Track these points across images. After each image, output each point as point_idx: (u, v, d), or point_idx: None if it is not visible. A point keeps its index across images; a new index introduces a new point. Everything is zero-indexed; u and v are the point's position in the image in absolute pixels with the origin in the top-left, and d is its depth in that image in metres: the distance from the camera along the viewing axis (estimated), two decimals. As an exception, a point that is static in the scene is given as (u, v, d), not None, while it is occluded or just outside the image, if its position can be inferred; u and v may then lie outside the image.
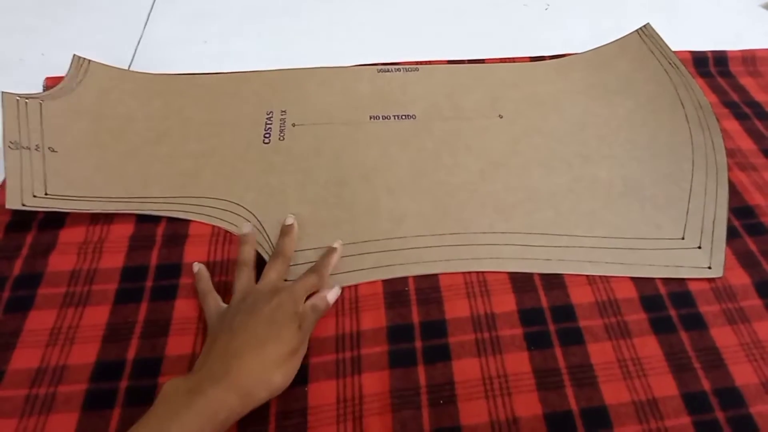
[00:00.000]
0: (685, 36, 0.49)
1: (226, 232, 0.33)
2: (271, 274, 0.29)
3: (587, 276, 0.32)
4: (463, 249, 0.33)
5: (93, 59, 0.42)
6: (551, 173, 0.38)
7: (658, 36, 0.44)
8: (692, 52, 0.47)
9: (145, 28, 0.48)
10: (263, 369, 0.25)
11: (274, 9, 0.51)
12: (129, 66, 0.44)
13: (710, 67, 0.47)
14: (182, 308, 0.29)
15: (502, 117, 0.41)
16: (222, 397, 0.24)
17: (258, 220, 0.34)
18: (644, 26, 0.45)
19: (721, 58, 0.47)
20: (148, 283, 0.30)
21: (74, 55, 0.41)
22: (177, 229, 0.33)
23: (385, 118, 0.41)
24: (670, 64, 0.43)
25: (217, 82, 0.43)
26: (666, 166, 0.38)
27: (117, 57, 0.45)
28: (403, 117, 0.41)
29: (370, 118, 0.41)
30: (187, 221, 0.33)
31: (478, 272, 0.32)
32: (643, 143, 0.39)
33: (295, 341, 0.26)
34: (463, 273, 0.32)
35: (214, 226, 0.33)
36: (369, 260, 0.32)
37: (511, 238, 0.34)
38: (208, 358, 0.25)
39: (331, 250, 0.31)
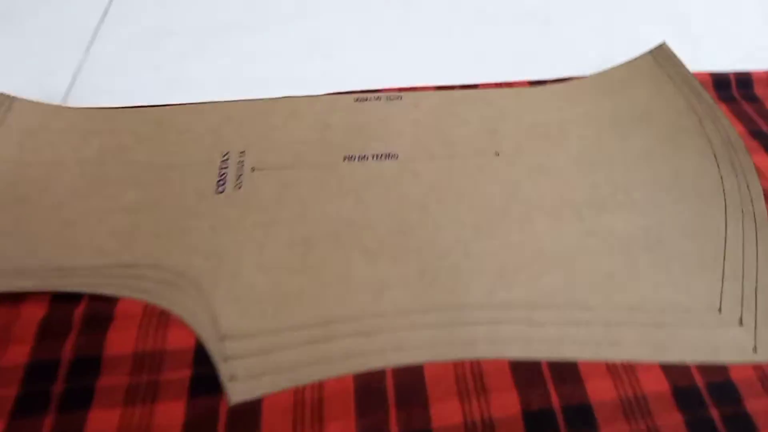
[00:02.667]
0: (703, 54, 0.43)
1: (161, 312, 0.27)
2: None
3: (607, 363, 0.26)
4: (455, 330, 0.27)
5: (21, 92, 0.35)
6: (559, 225, 0.32)
7: (676, 57, 0.39)
8: (712, 74, 0.41)
9: (88, 50, 0.42)
10: None
11: (239, 28, 0.45)
12: (65, 96, 0.38)
13: (733, 90, 0.41)
14: (97, 422, 0.23)
15: (498, 154, 0.35)
16: None
17: (203, 294, 0.27)
18: (659, 46, 0.40)
19: (745, 79, 0.41)
20: (57, 388, 0.24)
21: (-6, 91, 0.35)
22: (100, 309, 0.26)
23: (362, 158, 0.35)
24: (691, 91, 0.37)
25: (167, 116, 0.37)
26: (693, 216, 0.32)
27: (51, 86, 0.38)
28: (384, 157, 0.35)
29: (345, 158, 0.35)
30: (113, 298, 0.27)
31: (472, 361, 0.26)
32: (665, 186, 0.34)
33: None
34: (454, 362, 0.26)
35: (146, 305, 0.27)
36: (339, 347, 0.26)
37: (513, 313, 0.28)
38: None
39: None
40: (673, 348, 0.27)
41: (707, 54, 0.44)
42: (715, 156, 0.34)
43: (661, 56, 0.39)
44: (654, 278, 0.29)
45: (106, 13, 0.45)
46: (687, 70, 0.38)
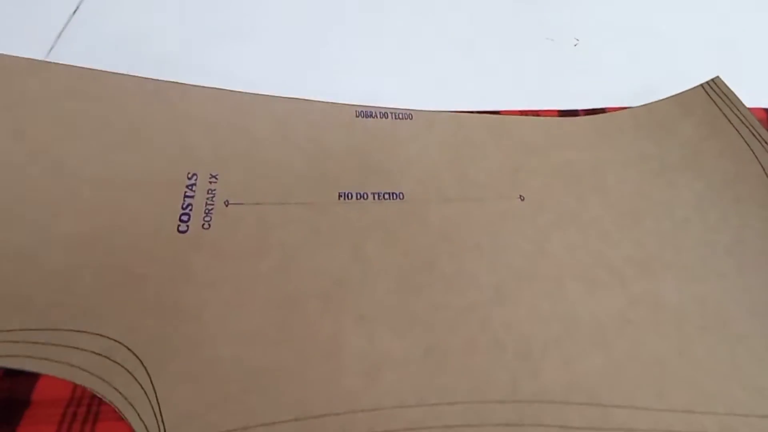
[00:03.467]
0: (755, 88, 0.38)
1: (92, 397, 0.21)
2: None
3: (663, 488, 0.21)
4: (469, 433, 0.21)
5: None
6: (596, 291, 0.26)
7: (733, 94, 0.33)
8: (767, 110, 0.36)
9: (50, 52, 0.36)
10: None
11: (225, 35, 0.39)
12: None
13: (790, 132, 0.36)
14: None
15: (523, 199, 0.30)
16: None
17: (147, 374, 0.21)
18: (713, 80, 0.34)
19: (801, 120, 0.36)
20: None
21: None
22: (14, 390, 0.20)
23: (361, 196, 0.29)
24: (753, 134, 0.32)
25: (120, 95, 0.29)
26: (762, 288, 0.26)
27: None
28: (387, 196, 0.29)
29: (340, 196, 0.29)
30: (33, 375, 0.21)
31: (492, 480, 0.20)
32: (724, 247, 0.28)
33: None
34: (469, 481, 0.20)
35: (75, 386, 0.21)
36: (319, 455, 0.20)
37: (543, 411, 0.22)
38: None
39: None
40: (746, 468, 0.21)
41: (756, 87, 0.39)
42: (783, 215, 0.29)
43: (716, 91, 0.34)
44: (715, 368, 0.24)
45: (75, 11, 0.39)
46: (747, 110, 0.32)
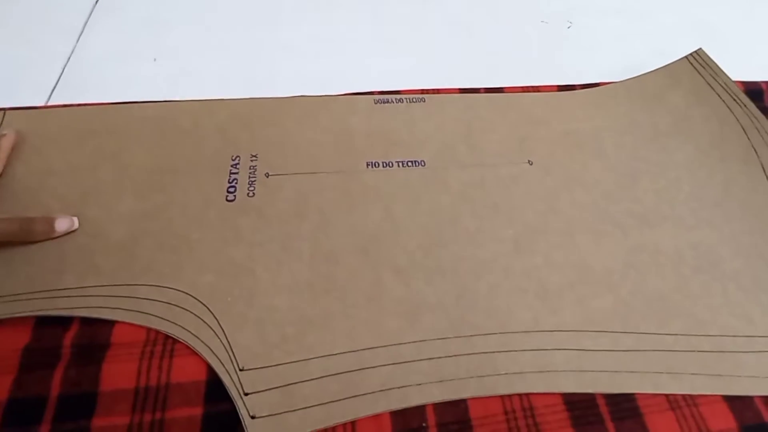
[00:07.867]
0: (731, 61, 0.42)
1: (166, 338, 0.23)
2: None
3: (667, 396, 0.24)
4: (499, 358, 0.24)
5: (4, 85, 0.32)
6: (602, 241, 0.29)
7: (715, 64, 0.37)
8: (744, 83, 0.40)
9: (78, 39, 0.38)
10: None
11: (248, 19, 0.42)
12: (52, 90, 0.34)
13: (766, 101, 0.40)
14: (92, 473, 0.20)
15: (532, 163, 0.33)
16: None
17: (215, 318, 0.24)
18: (696, 52, 0.38)
19: (778, 89, 0.40)
20: (43, 431, 0.20)
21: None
22: (94, 335, 0.23)
23: (386, 165, 0.32)
24: (734, 99, 0.35)
25: (168, 114, 0.33)
26: (746, 234, 0.30)
27: (38, 78, 0.35)
28: (410, 163, 0.32)
29: (368, 165, 0.31)
30: (110, 322, 0.23)
31: (521, 394, 0.23)
32: (713, 201, 0.31)
33: None
34: (502, 396, 0.23)
35: (149, 330, 0.23)
36: (373, 380, 0.23)
37: (562, 339, 0.25)
38: None
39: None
40: (737, 379, 0.24)
41: (732, 62, 0.42)
42: (763, 169, 0.32)
43: (699, 62, 0.37)
44: (709, 301, 0.27)
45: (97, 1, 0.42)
46: (728, 77, 0.36)
